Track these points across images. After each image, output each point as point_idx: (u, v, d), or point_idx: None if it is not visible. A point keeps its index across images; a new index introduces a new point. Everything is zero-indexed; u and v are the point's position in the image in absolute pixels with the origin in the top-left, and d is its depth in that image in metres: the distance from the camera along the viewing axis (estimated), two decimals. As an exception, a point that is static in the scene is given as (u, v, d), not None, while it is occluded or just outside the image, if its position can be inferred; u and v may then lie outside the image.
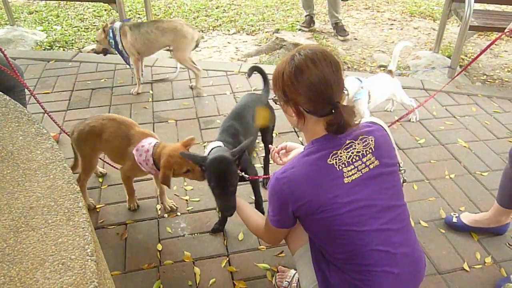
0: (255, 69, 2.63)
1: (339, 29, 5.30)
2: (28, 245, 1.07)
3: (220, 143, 2.03)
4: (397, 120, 2.78)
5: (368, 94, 2.99)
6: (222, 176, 1.85)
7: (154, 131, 3.19)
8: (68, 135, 2.40)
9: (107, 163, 2.70)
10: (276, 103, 1.58)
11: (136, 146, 2.18)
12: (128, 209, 2.49)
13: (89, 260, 1.02)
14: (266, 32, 5.63)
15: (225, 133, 2.17)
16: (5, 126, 1.54)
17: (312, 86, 1.39)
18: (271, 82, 1.58)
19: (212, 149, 1.98)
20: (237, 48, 5.18)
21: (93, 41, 5.18)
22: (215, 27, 5.77)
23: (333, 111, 1.40)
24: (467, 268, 2.20)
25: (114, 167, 2.59)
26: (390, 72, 3.25)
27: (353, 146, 1.44)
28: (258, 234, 1.79)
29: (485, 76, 4.48)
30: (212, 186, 1.88)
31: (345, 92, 1.46)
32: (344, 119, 1.39)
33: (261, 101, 2.46)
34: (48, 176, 1.30)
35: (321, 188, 1.40)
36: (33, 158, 1.38)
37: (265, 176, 2.59)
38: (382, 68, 4.57)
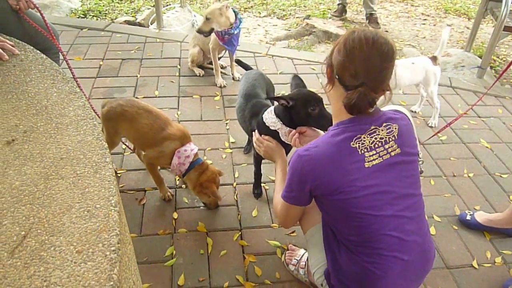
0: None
1: (372, 21, 5.25)
2: (57, 192, 1.13)
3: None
4: (447, 125, 2.74)
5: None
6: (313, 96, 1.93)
7: (179, 105, 3.27)
8: (89, 102, 2.44)
9: (125, 145, 2.76)
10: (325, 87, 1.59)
11: (179, 149, 2.22)
12: (163, 199, 2.47)
13: (113, 210, 1.08)
14: (296, 17, 5.61)
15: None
16: (41, 82, 1.61)
17: (352, 50, 1.40)
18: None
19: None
20: (266, 31, 5.19)
21: (126, 13, 5.26)
22: (246, 8, 5.78)
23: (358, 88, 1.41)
24: (476, 266, 2.21)
25: (130, 148, 2.70)
26: (434, 58, 3.12)
27: (377, 132, 1.47)
28: (277, 210, 1.77)
29: (515, 80, 4.40)
30: (314, 110, 1.91)
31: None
32: (360, 101, 1.40)
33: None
34: (78, 131, 1.37)
35: (341, 170, 1.42)
36: (65, 114, 1.45)
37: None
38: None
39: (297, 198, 1.57)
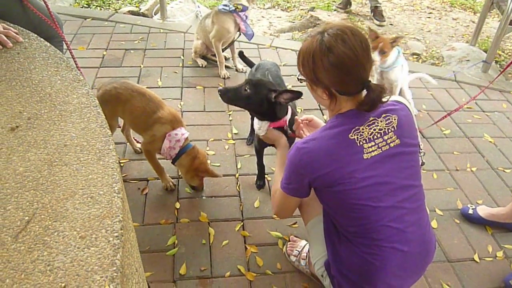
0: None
1: (377, 14, 5.22)
2: (60, 178, 1.14)
3: None
4: (447, 115, 2.74)
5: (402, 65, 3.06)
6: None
7: (182, 95, 3.27)
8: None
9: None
10: (301, 82, 1.57)
11: (169, 132, 2.24)
12: (165, 189, 2.47)
13: (116, 197, 1.09)
14: (301, 9, 5.59)
15: None
16: (44, 69, 1.62)
17: (344, 66, 1.38)
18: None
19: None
20: (270, 23, 5.17)
21: (130, 3, 5.25)
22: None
23: (365, 90, 1.42)
24: (477, 260, 2.21)
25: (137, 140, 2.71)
26: None
27: (376, 123, 1.46)
28: (274, 197, 1.76)
29: (520, 74, 4.38)
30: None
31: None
32: (377, 96, 1.40)
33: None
34: (82, 118, 1.37)
35: (340, 162, 1.42)
36: (69, 101, 1.45)
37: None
38: (415, 56, 4.51)
39: (296, 189, 1.56)
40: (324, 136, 1.46)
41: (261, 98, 1.97)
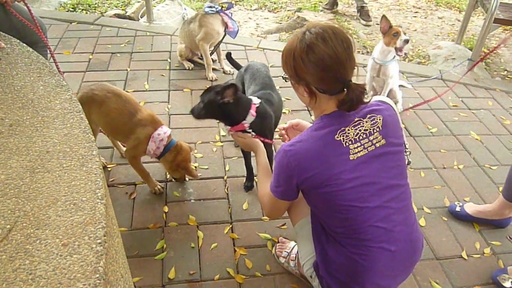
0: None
1: (363, 14, 5.24)
2: (43, 185, 1.12)
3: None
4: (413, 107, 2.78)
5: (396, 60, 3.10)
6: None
7: (169, 98, 3.26)
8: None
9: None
10: (286, 81, 1.58)
11: (152, 133, 2.24)
12: (153, 193, 2.45)
13: (99, 203, 1.07)
14: (288, 10, 5.60)
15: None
16: (27, 75, 1.60)
17: (324, 65, 1.38)
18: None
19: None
20: (257, 24, 5.17)
21: (116, 6, 5.22)
22: (237, 1, 5.75)
23: (345, 89, 1.42)
24: (465, 257, 2.23)
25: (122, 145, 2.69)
26: None
27: (361, 124, 1.46)
28: (263, 202, 1.78)
29: (505, 72, 4.42)
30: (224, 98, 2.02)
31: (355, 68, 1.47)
32: (357, 97, 1.40)
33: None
34: (65, 124, 1.36)
35: (327, 163, 1.42)
36: (52, 107, 1.44)
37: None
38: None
39: (285, 192, 1.56)
40: (310, 138, 1.46)
41: (212, 103, 2.03)
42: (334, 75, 1.41)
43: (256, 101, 2.14)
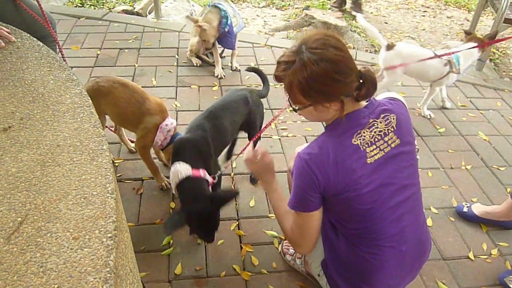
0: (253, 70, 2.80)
1: (357, 5, 5.27)
2: (53, 179, 1.13)
3: (188, 168, 1.93)
4: None
5: None
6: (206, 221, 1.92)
7: (177, 95, 3.26)
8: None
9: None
10: (296, 112, 1.48)
11: (160, 123, 2.24)
12: (160, 188, 2.45)
13: (109, 197, 1.08)
14: (296, 8, 5.58)
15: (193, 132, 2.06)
16: (37, 69, 1.60)
17: (346, 67, 1.36)
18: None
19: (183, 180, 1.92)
20: (265, 21, 5.16)
21: (124, 2, 5.23)
22: (245, -1, 5.75)
23: (361, 79, 1.40)
24: (472, 257, 2.21)
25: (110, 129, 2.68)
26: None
27: (376, 125, 1.44)
28: (287, 232, 1.64)
29: (515, 73, 4.40)
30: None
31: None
32: (372, 79, 1.39)
33: (246, 100, 2.29)
34: (75, 118, 1.36)
35: (346, 169, 1.38)
36: (62, 101, 1.44)
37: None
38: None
39: (307, 201, 1.46)
40: (327, 144, 1.42)
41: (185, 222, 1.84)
42: (353, 71, 1.38)
43: (208, 178, 2.00)
